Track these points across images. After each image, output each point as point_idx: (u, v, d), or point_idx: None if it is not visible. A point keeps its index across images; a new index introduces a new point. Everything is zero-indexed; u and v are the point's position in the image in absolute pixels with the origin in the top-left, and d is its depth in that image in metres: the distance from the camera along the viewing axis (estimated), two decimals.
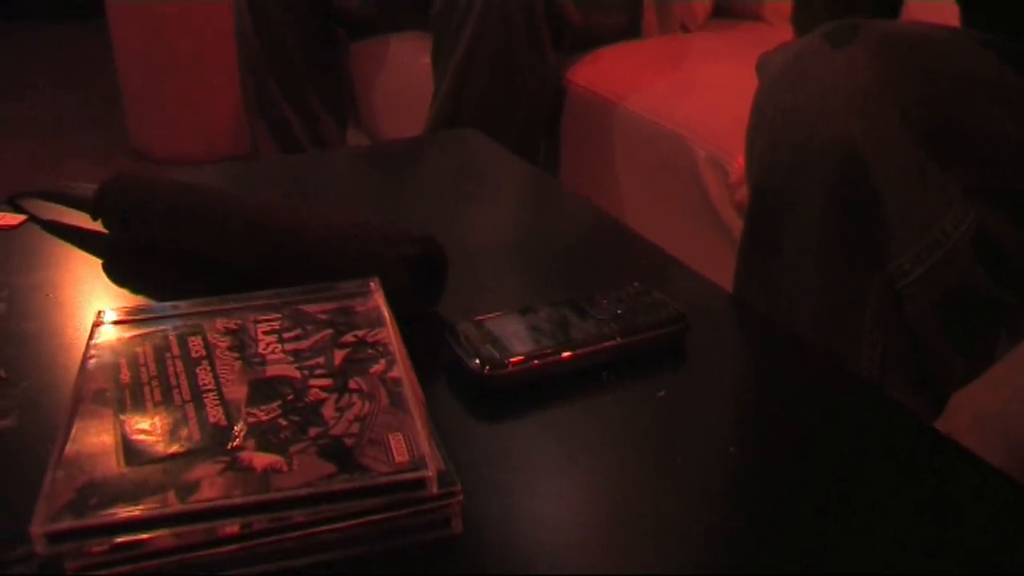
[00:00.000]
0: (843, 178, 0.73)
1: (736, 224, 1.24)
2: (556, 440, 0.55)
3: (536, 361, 0.57)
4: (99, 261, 0.73)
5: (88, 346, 0.55)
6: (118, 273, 0.72)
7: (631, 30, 1.66)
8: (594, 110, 1.47)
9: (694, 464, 0.53)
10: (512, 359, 0.57)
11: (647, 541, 0.47)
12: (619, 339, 0.60)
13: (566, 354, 0.58)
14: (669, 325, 0.62)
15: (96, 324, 0.57)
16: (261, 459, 0.46)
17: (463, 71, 1.40)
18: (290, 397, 0.51)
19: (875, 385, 0.72)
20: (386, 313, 0.58)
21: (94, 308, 0.60)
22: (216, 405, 0.50)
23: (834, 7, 1.11)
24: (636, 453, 0.54)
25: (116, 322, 0.57)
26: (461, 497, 0.46)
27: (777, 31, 1.81)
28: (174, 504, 0.43)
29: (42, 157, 2.40)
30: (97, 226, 0.75)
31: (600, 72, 1.52)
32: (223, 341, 0.55)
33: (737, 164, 1.24)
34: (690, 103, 1.38)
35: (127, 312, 0.58)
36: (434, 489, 0.45)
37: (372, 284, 0.61)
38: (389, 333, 0.56)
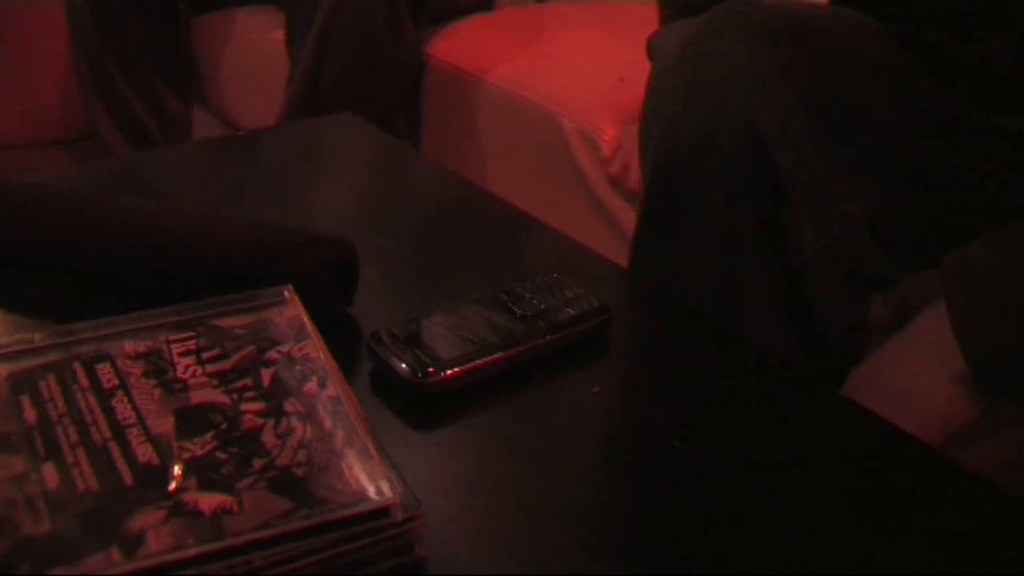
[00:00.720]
0: (744, 159, 0.74)
1: (610, 198, 1.25)
2: (499, 445, 0.54)
3: (470, 365, 0.56)
4: None
5: None
6: None
7: (486, 2, 1.64)
8: (456, 84, 1.44)
9: (644, 461, 0.53)
10: (445, 365, 0.55)
11: (613, 545, 0.47)
12: (549, 336, 0.59)
13: (499, 355, 0.57)
14: (594, 318, 0.61)
15: None
16: (207, 500, 0.42)
17: (321, 49, 1.34)
18: (224, 426, 0.47)
19: (801, 371, 0.74)
20: (308, 323, 0.55)
21: None
22: (142, 441, 0.46)
23: None
24: (585, 454, 0.53)
25: (4, 353, 0.52)
26: (423, 520, 0.44)
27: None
28: (120, 562, 0.39)
29: None
30: None
31: (460, 45, 1.50)
32: (136, 367, 0.51)
33: (607, 137, 1.25)
34: (554, 75, 1.37)
35: (16, 340, 0.53)
36: (399, 516, 0.43)
37: (287, 292, 0.57)
38: (314, 346, 0.53)
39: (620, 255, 0.86)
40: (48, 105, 2.01)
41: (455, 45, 1.50)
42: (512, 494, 0.50)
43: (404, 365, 0.55)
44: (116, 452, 0.45)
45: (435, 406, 0.55)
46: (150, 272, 0.59)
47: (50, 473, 0.44)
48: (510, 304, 0.61)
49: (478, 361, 0.56)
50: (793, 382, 0.62)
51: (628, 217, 1.23)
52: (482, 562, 0.46)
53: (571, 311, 0.61)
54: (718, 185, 0.75)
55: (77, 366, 0.51)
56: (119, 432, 0.46)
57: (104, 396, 0.49)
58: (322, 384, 0.50)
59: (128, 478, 0.43)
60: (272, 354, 0.53)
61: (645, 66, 1.26)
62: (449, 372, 0.55)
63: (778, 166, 0.74)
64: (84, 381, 0.50)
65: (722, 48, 0.74)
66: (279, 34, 1.51)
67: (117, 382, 0.50)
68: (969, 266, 0.69)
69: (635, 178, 1.19)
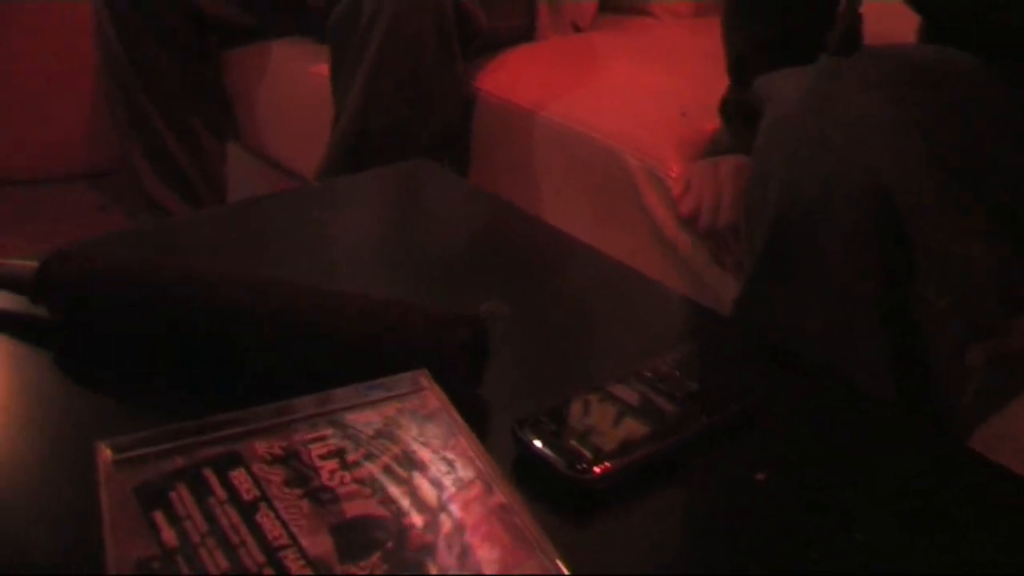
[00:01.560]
0: (870, 209, 0.70)
1: (679, 237, 1.20)
2: (669, 542, 0.49)
3: (633, 456, 0.50)
4: (46, 356, 0.61)
5: (101, 496, 0.44)
6: (78, 375, 0.60)
7: (527, 32, 1.59)
8: (508, 120, 1.39)
9: (829, 555, 0.47)
10: (606, 457, 0.50)
11: None
12: (705, 418, 0.54)
13: (660, 444, 0.52)
14: (744, 397, 0.56)
15: (102, 462, 0.46)
16: None
17: (371, 85, 1.29)
18: (389, 545, 0.42)
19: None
20: (457, 416, 0.50)
21: (60, 428, 0.49)
22: (302, 567, 0.41)
23: (768, 7, 1.09)
24: (767, 548, 0.48)
25: (123, 460, 0.46)
26: None
27: (665, 26, 1.79)
28: None
29: None
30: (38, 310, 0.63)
31: (508, 78, 1.45)
32: (275, 473, 0.46)
33: (675, 174, 1.20)
34: (612, 109, 1.32)
35: (132, 442, 0.47)
36: None
37: (424, 379, 0.52)
38: (466, 443, 0.48)
39: (690, 295, 0.82)
40: (69, 138, 1.94)
41: (503, 78, 1.45)
42: None
43: (561, 458, 0.50)
44: None
45: (593, 500, 0.50)
46: (273, 357, 0.54)
47: None
48: (655, 381, 0.56)
49: (641, 452, 0.51)
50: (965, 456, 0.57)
51: (698, 257, 1.18)
52: None
53: (721, 389, 0.56)
54: (841, 234, 0.71)
55: (208, 473, 0.46)
56: (272, 555, 0.41)
57: (246, 509, 0.43)
58: (488, 490, 0.45)
59: None
60: (423, 454, 0.47)
61: (704, 99, 1.22)
62: (611, 465, 0.50)
63: (901, 217, 0.70)
64: (220, 492, 0.44)
65: (846, 96, 0.72)
66: (319, 67, 1.47)
67: (257, 493, 0.44)
68: None
69: (707, 218, 1.14)
